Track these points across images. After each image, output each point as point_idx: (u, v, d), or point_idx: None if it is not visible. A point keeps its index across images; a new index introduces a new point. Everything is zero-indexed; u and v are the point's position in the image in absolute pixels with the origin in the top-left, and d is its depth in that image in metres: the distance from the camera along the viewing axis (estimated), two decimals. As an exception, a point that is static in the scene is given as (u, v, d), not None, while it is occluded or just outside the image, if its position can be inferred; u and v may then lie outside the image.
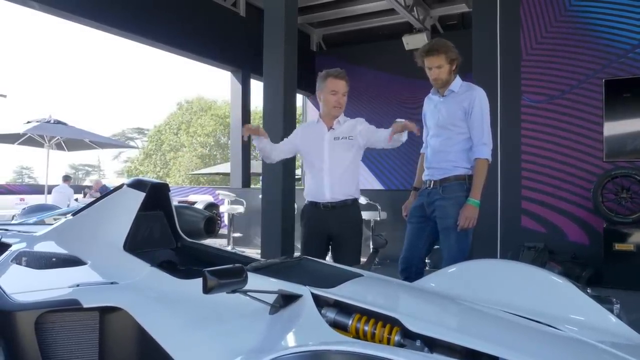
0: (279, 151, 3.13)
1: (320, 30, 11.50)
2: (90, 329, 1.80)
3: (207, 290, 1.40)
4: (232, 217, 8.31)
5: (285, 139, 3.18)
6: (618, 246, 5.32)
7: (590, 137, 5.96)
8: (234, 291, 1.47)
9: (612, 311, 1.84)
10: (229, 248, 7.76)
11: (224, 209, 8.38)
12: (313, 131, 3.06)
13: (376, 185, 10.44)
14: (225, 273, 1.44)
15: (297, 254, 3.13)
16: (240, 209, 8.18)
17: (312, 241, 3.00)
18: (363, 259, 2.89)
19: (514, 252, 5.85)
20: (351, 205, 2.99)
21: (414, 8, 9.40)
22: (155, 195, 2.42)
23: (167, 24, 8.08)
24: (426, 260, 3.17)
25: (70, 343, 1.80)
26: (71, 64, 74.40)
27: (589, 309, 1.83)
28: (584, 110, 5.99)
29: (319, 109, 3.17)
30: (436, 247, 3.10)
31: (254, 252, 7.41)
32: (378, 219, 6.89)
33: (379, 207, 6.95)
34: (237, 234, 8.45)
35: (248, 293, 1.53)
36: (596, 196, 5.55)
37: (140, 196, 2.33)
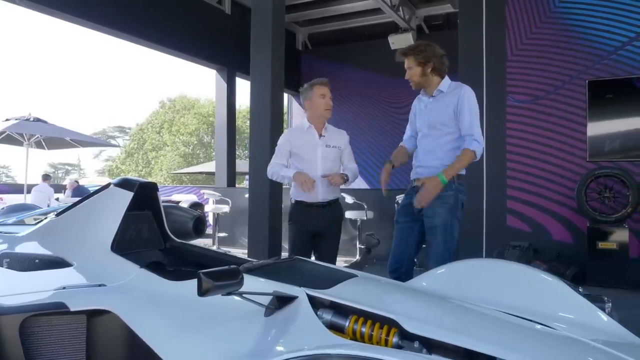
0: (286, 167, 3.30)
1: (306, 29, 11.47)
2: (77, 333, 1.75)
3: (202, 292, 1.36)
4: (217, 217, 8.24)
5: (279, 153, 3.28)
6: (601, 245, 5.40)
7: (574, 137, 6.05)
8: (229, 293, 1.44)
9: (603, 309, 1.85)
10: (214, 248, 7.69)
11: (209, 208, 8.31)
12: (305, 138, 3.25)
13: (361, 184, 10.45)
14: (221, 275, 1.40)
15: (284, 254, 3.19)
16: (225, 208, 8.12)
17: (302, 238, 3.21)
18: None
19: (499, 251, 5.90)
20: (337, 204, 3.31)
21: (400, 8, 9.43)
22: (143, 195, 2.37)
23: (150, 21, 7.97)
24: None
25: (57, 348, 1.74)
26: (51, 60, 72.91)
27: (581, 308, 1.84)
28: (568, 110, 6.08)
29: (305, 115, 3.36)
30: (423, 246, 3.10)
31: (239, 252, 7.35)
32: (365, 218, 6.89)
33: (366, 207, 6.95)
34: (222, 234, 8.38)
35: (243, 295, 1.49)
36: (580, 196, 5.63)
37: (128, 196, 2.27)
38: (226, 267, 1.45)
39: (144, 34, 7.98)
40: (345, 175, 3.18)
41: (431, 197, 2.73)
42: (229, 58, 9.51)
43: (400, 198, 6.47)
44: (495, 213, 6.22)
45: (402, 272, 2.94)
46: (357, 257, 7.05)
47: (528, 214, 6.21)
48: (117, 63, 72.51)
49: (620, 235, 5.37)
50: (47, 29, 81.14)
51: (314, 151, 3.21)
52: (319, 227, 3.19)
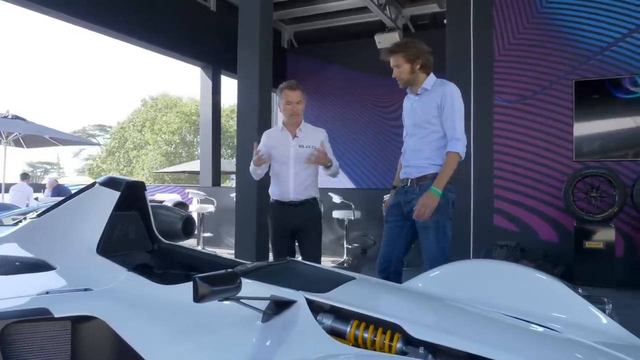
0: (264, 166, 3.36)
1: (292, 27, 11.38)
2: (61, 340, 1.66)
3: (198, 298, 1.28)
4: (202, 217, 8.12)
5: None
6: (588, 244, 5.44)
7: (561, 137, 6.08)
8: (226, 299, 1.36)
9: (604, 311, 1.83)
10: (199, 248, 7.57)
11: (194, 208, 8.17)
12: (279, 138, 3.33)
13: (348, 184, 10.41)
14: (218, 279, 1.32)
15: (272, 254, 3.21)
16: (210, 208, 8.00)
17: (280, 235, 3.30)
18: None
19: (487, 251, 5.92)
20: (312, 203, 3.32)
21: (387, 7, 9.41)
22: (130, 195, 2.28)
23: (134, 18, 7.79)
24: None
25: (40, 356, 1.65)
26: (30, 57, 71.27)
27: (581, 309, 1.82)
28: (555, 110, 6.11)
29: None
30: (412, 245, 3.06)
31: (225, 252, 7.24)
32: (352, 217, 6.84)
33: (353, 206, 6.90)
34: (207, 234, 8.26)
35: (241, 300, 1.42)
36: (567, 195, 5.66)
37: (114, 195, 2.18)
38: (223, 271, 1.37)
39: (127, 31, 7.79)
40: (330, 162, 3.20)
41: (430, 211, 2.70)
42: (214, 56, 9.39)
43: (387, 197, 6.48)
44: (482, 212, 6.24)
45: (391, 271, 2.92)
46: (345, 256, 7.00)
47: (515, 213, 6.23)
48: (97, 60, 71.24)
49: (607, 235, 5.41)
50: (25, 23, 79.34)
51: (286, 151, 3.27)
52: (295, 225, 3.25)
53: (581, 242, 5.48)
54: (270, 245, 3.41)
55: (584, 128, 6.00)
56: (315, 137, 3.31)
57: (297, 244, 3.37)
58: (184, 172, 20.45)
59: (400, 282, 2.80)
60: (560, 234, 6.01)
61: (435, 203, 2.70)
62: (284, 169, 3.26)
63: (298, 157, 3.24)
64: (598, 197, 5.65)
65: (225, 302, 1.42)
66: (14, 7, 6.73)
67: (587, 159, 5.94)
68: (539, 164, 6.16)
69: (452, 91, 2.85)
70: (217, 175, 9.80)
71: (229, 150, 30.84)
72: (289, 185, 3.23)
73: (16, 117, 8.69)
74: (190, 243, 8.15)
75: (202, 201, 8.25)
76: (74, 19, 7.10)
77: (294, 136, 3.28)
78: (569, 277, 5.43)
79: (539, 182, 6.15)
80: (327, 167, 3.22)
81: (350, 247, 7.07)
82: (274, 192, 3.35)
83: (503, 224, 6.27)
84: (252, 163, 3.23)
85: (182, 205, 9.50)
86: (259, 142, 3.35)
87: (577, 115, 5.98)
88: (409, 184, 2.92)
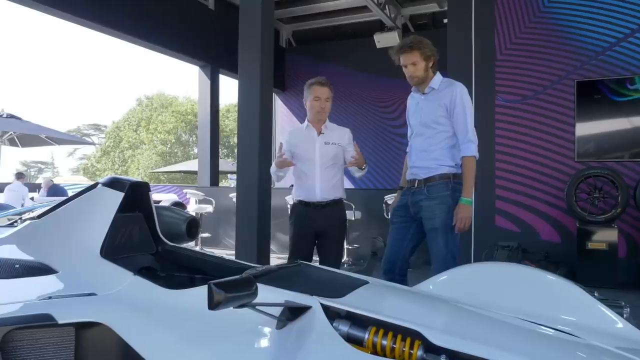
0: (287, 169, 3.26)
1: (290, 27, 11.32)
2: (65, 347, 1.59)
3: (213, 305, 1.22)
4: (200, 217, 8.05)
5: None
6: (591, 245, 5.42)
7: (563, 137, 6.07)
8: (241, 305, 1.30)
9: (622, 315, 1.79)
10: (197, 249, 7.50)
11: (192, 208, 8.11)
12: (304, 136, 3.25)
13: (348, 184, 10.36)
14: (233, 285, 1.26)
15: (272, 254, 3.13)
16: (209, 208, 7.93)
17: (302, 238, 3.19)
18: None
19: (488, 252, 5.88)
20: (339, 204, 3.23)
21: (386, 6, 9.37)
22: (134, 196, 2.21)
23: (132, 15, 7.71)
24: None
25: None
26: (24, 55, 70.78)
27: (598, 313, 1.78)
28: (557, 110, 6.10)
29: (305, 113, 3.36)
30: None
31: (224, 253, 7.18)
32: (353, 218, 6.78)
33: (353, 207, 6.85)
34: (205, 234, 8.19)
35: (256, 307, 1.36)
36: (570, 196, 5.64)
37: (118, 196, 2.12)
38: (238, 276, 1.31)
39: (128, 29, 7.70)
40: (365, 163, 3.16)
41: (469, 221, 2.72)
42: (213, 54, 9.33)
43: (388, 198, 6.43)
44: (484, 213, 6.18)
45: (397, 272, 2.90)
46: (345, 257, 6.95)
47: (517, 214, 6.22)
48: (93, 59, 70.88)
49: (610, 236, 5.39)
50: (20, 22, 78.86)
51: (312, 148, 3.19)
52: (319, 227, 3.14)
53: (584, 243, 5.46)
54: (289, 248, 3.30)
55: (585, 128, 5.98)
56: (340, 135, 3.26)
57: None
58: (180, 171, 20.37)
59: (405, 283, 2.77)
60: (563, 235, 5.99)
61: (470, 212, 2.72)
62: (309, 167, 3.17)
63: (323, 155, 3.17)
64: (601, 197, 5.63)
65: (238, 309, 1.36)
66: (14, 6, 6.62)
67: (588, 159, 5.93)
68: (540, 165, 6.14)
69: (462, 92, 2.82)
70: (215, 175, 9.73)
71: (225, 150, 30.77)
72: (316, 184, 3.14)
73: (11, 116, 8.59)
74: (188, 244, 8.07)
75: (201, 201, 8.19)
76: (76, 18, 7.04)
77: (320, 133, 3.22)
78: (572, 278, 5.34)
79: (540, 182, 6.13)
80: (362, 168, 3.14)
81: (350, 247, 7.02)
82: (299, 193, 3.24)
83: (505, 224, 6.24)
84: (274, 164, 3.15)
85: (179, 205, 9.43)
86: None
87: (578, 115, 5.97)
88: (416, 185, 2.89)
